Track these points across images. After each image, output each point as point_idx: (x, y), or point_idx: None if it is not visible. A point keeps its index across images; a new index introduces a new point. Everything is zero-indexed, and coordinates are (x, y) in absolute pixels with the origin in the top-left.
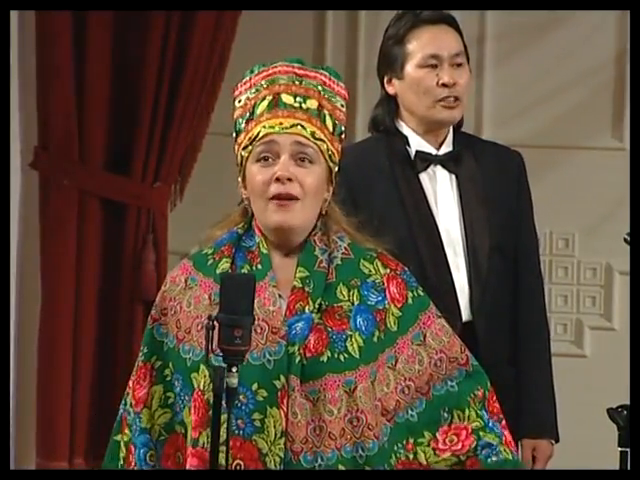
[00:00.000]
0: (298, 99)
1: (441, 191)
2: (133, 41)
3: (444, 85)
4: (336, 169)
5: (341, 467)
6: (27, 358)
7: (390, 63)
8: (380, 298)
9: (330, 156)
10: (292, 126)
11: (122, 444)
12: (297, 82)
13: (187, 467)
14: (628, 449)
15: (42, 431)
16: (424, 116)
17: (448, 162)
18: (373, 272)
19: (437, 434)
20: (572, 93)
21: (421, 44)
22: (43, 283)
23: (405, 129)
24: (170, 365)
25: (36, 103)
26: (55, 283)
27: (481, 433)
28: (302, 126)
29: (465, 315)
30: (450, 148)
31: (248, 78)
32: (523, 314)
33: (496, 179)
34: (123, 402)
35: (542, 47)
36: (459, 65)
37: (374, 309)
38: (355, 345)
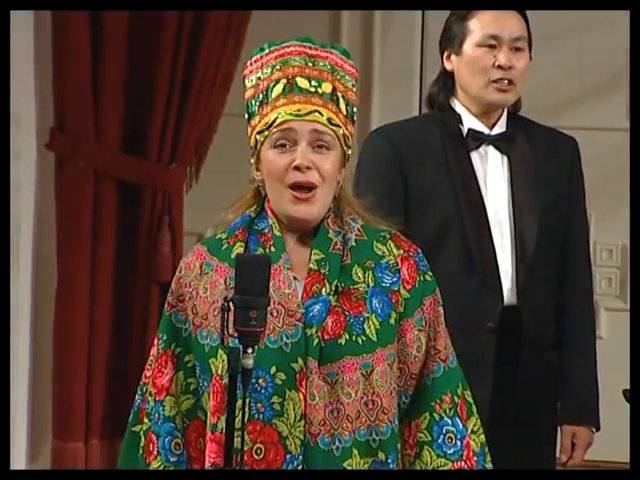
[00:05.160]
0: (313, 83)
1: (491, 171)
2: (149, 23)
3: (500, 67)
4: (349, 152)
5: (355, 451)
6: (43, 340)
7: (450, 39)
8: (395, 279)
9: (345, 140)
10: (309, 113)
11: (142, 433)
12: (310, 64)
13: (207, 453)
14: None
15: (58, 412)
16: (477, 96)
17: (500, 142)
18: (387, 253)
19: (412, 424)
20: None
21: (483, 23)
22: (59, 264)
23: (459, 107)
24: (192, 351)
25: (52, 84)
26: (71, 264)
27: (425, 447)
28: (319, 112)
29: (508, 298)
30: (503, 129)
31: (259, 57)
32: (569, 299)
33: (548, 162)
34: (139, 392)
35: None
36: (518, 49)
37: (389, 291)
38: (372, 328)
